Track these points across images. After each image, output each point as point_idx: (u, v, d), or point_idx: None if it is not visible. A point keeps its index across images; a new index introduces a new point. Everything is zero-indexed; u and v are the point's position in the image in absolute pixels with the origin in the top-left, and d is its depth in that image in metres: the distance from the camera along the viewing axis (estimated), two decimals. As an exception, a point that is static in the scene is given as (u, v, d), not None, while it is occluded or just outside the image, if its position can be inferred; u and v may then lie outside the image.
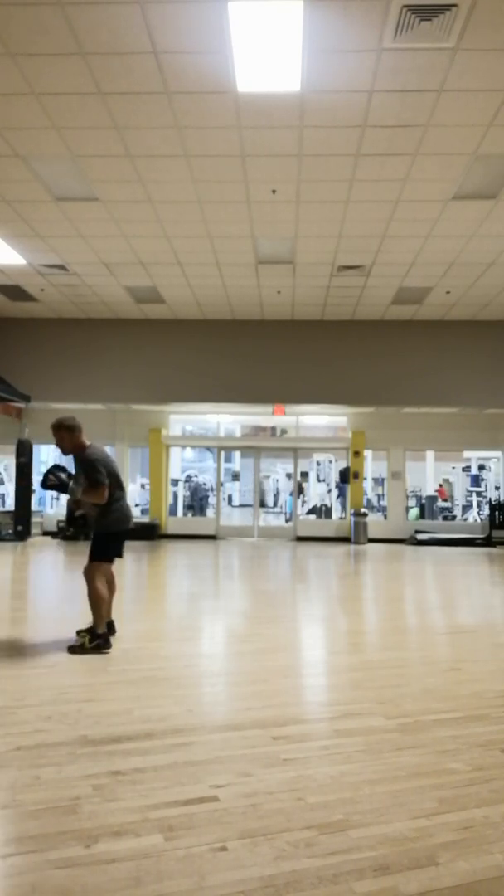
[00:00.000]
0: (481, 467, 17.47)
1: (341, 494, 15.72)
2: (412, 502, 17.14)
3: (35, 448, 13.59)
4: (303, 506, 17.34)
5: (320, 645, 5.15)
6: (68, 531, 13.67)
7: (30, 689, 3.78)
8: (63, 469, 4.81)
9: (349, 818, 2.35)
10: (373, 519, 15.18)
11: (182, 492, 16.86)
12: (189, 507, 16.87)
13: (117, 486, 4.83)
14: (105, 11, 4.50)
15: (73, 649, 4.60)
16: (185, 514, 16.35)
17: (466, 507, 17.26)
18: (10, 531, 13.04)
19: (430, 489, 17.54)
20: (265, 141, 6.13)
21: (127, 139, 6.15)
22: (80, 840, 2.20)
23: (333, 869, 2.04)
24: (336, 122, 5.80)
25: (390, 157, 6.38)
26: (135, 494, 16.22)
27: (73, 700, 3.61)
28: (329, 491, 17.19)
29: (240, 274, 9.97)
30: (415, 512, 16.49)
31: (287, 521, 16.92)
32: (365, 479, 16.15)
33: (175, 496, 16.11)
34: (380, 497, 18.16)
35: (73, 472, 4.81)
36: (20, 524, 12.94)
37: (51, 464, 5.89)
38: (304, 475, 18.62)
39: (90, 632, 4.69)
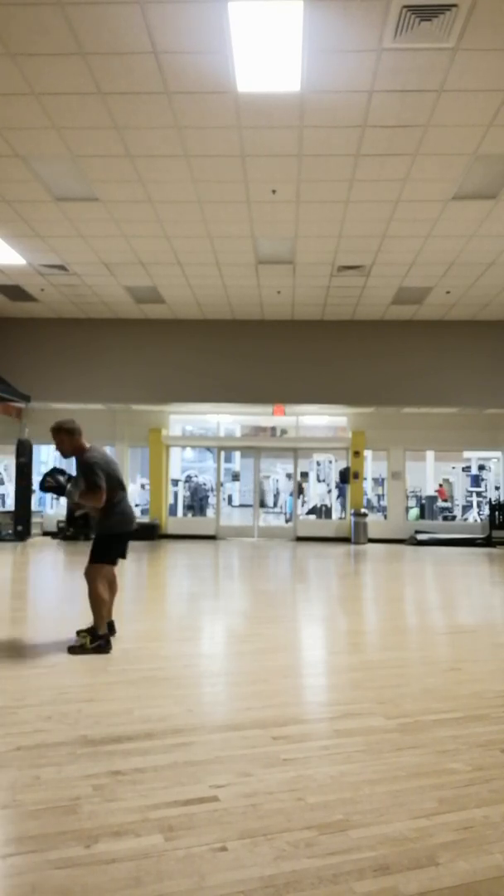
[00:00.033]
0: (481, 467, 17.47)
1: (341, 494, 15.72)
2: (412, 502, 17.15)
3: (35, 448, 13.59)
4: (303, 506, 17.34)
5: (320, 645, 5.15)
6: (68, 531, 13.67)
7: (30, 689, 3.78)
8: (62, 472, 4.81)
9: (349, 818, 2.35)
10: (373, 519, 15.18)
11: (182, 492, 16.86)
12: (189, 508, 16.87)
13: (119, 487, 4.81)
14: (105, 11, 4.50)
15: (74, 650, 4.60)
16: (185, 515, 16.35)
17: (466, 508, 17.26)
18: (10, 531, 13.04)
19: (430, 489, 17.54)
20: (265, 141, 6.13)
21: (127, 139, 6.15)
22: (80, 840, 2.20)
23: (333, 869, 2.04)
24: (336, 122, 5.80)
25: (390, 157, 6.38)
26: (135, 494, 16.22)
27: (73, 700, 3.61)
28: (329, 491, 17.19)
29: (240, 274, 9.97)
30: (415, 512, 16.49)
31: (287, 521, 16.92)
32: (365, 479, 16.15)
33: (175, 496, 16.12)
34: (380, 497, 18.16)
35: (73, 474, 4.81)
36: (20, 524, 12.94)
37: (51, 465, 5.89)
38: (304, 475, 18.62)
39: (91, 633, 4.68)
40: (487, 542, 13.96)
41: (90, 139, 6.15)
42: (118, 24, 4.61)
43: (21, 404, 13.07)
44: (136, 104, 5.59)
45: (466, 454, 17.51)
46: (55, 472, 4.80)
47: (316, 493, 18.30)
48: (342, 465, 15.69)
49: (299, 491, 16.80)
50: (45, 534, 14.33)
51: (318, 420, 15.27)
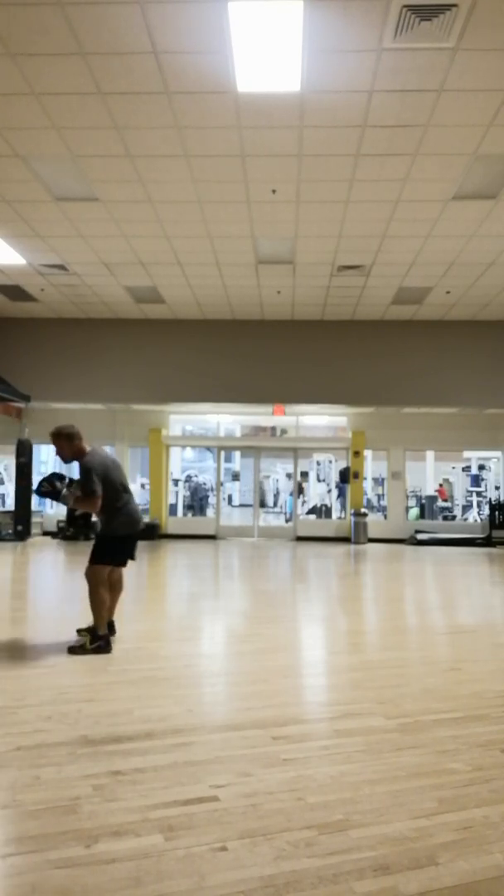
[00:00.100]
0: (481, 467, 17.47)
1: (341, 494, 15.72)
2: (412, 502, 17.15)
3: (35, 448, 13.59)
4: (303, 506, 17.34)
5: (320, 645, 5.15)
6: (68, 531, 13.67)
7: (30, 689, 3.78)
8: (61, 477, 4.80)
9: (349, 818, 2.35)
10: (373, 519, 15.18)
11: (182, 492, 16.86)
12: (189, 507, 16.87)
13: (121, 491, 4.79)
14: (105, 11, 4.50)
15: (74, 650, 4.60)
16: (185, 514, 16.35)
17: (466, 507, 17.26)
18: (10, 531, 13.04)
19: (430, 489, 17.54)
20: (265, 141, 6.13)
21: (127, 139, 6.15)
22: (80, 840, 2.20)
23: (333, 869, 2.04)
24: (336, 122, 5.80)
25: (390, 157, 6.38)
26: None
27: (73, 700, 3.61)
28: (329, 491, 17.19)
29: (240, 274, 9.97)
30: (415, 512, 16.49)
31: (287, 521, 16.92)
32: (365, 479, 16.15)
33: (175, 496, 16.12)
34: (380, 497, 18.17)
35: (73, 478, 4.79)
36: (20, 524, 12.94)
37: (51, 465, 5.89)
38: (304, 475, 18.62)
39: (91, 633, 4.68)
40: (487, 542, 13.96)
41: (90, 139, 6.15)
42: (118, 24, 4.61)
43: (21, 404, 13.07)
44: (136, 104, 5.59)
45: (466, 454, 17.51)
46: (53, 477, 4.79)
47: (316, 492, 18.30)
48: (342, 464, 15.69)
49: (299, 491, 16.80)
50: (45, 534, 14.33)
51: (318, 420, 15.27)
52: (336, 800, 2.49)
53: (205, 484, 17.55)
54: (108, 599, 4.79)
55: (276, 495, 21.95)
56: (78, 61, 5.03)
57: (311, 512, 16.95)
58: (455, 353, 12.55)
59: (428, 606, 6.95)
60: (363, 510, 14.32)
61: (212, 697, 3.76)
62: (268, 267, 9.63)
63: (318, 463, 18.33)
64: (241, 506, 21.34)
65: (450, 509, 17.61)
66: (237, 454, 22.13)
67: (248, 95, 5.43)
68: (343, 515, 15.31)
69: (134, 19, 4.57)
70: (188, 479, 17.60)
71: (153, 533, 13.92)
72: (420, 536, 14.20)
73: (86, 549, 5.01)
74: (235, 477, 23.21)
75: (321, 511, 16.23)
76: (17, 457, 12.86)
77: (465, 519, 16.47)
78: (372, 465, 17.98)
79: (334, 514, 15.87)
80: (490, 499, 15.10)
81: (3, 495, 17.41)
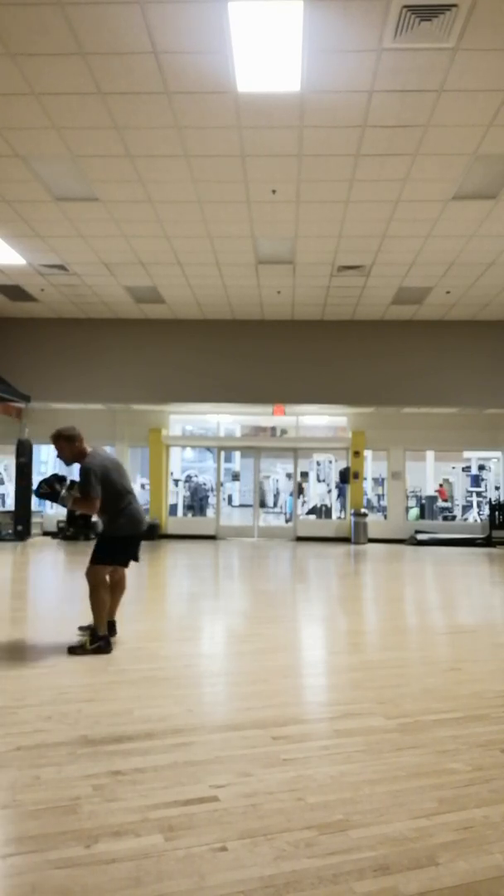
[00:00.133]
0: (481, 467, 17.47)
1: (341, 494, 15.72)
2: (412, 502, 17.14)
3: (35, 448, 13.59)
4: (303, 506, 17.34)
5: (320, 645, 5.15)
6: (68, 531, 13.67)
7: (30, 689, 3.78)
8: (62, 479, 4.79)
9: (349, 818, 2.35)
10: (373, 519, 15.18)
11: (182, 492, 16.86)
12: (189, 507, 16.87)
13: (124, 491, 4.78)
14: (105, 11, 4.50)
15: (74, 650, 4.60)
16: (185, 515, 16.35)
17: (466, 508, 17.26)
18: (10, 531, 13.04)
19: (430, 489, 17.54)
20: (265, 141, 6.13)
21: (127, 139, 6.15)
22: (80, 840, 2.20)
23: (333, 869, 2.04)
24: (336, 122, 5.80)
25: (390, 157, 6.38)
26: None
27: (73, 700, 3.61)
28: (329, 491, 17.19)
29: (240, 274, 9.97)
30: (415, 512, 16.49)
31: (287, 521, 16.92)
32: (365, 479, 16.15)
33: (175, 496, 16.11)
34: (380, 497, 18.16)
35: (75, 479, 4.79)
36: (20, 524, 12.94)
37: (51, 465, 5.88)
38: (304, 475, 18.62)
39: (91, 633, 4.68)
40: (487, 542, 13.96)
41: (90, 139, 6.15)
42: (118, 24, 4.61)
43: (21, 404, 13.07)
44: (136, 104, 5.59)
45: (466, 454, 17.51)
46: (53, 478, 4.79)
47: (316, 493, 18.30)
48: (342, 465, 15.69)
49: (299, 491, 16.80)
50: (45, 534, 14.33)
51: (318, 420, 15.27)
52: (336, 800, 2.49)
53: (205, 484, 17.55)
54: (108, 600, 4.78)
55: (276, 495, 21.95)
56: (78, 61, 5.03)
57: (311, 512, 16.95)
58: (455, 353, 12.55)
59: (428, 606, 6.95)
60: (363, 510, 14.32)
61: (212, 697, 3.76)
62: (268, 267, 9.63)
63: (318, 463, 18.33)
64: (241, 506, 21.34)
65: (450, 509, 17.60)
66: (237, 454, 22.13)
67: (248, 95, 5.43)
68: (343, 515, 15.31)
69: (134, 19, 4.57)
70: (188, 479, 17.60)
71: (153, 533, 13.92)
72: (420, 537, 14.20)
73: (86, 549, 5.02)
74: (235, 477, 23.21)
75: (321, 511, 16.23)
76: (17, 457, 12.86)
77: (465, 519, 16.47)
78: (372, 465, 17.98)
79: (334, 515, 15.87)
80: (490, 499, 15.10)
81: (3, 495, 17.41)
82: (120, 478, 4.80)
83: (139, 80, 5.27)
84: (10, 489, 16.22)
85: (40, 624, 5.67)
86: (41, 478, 4.92)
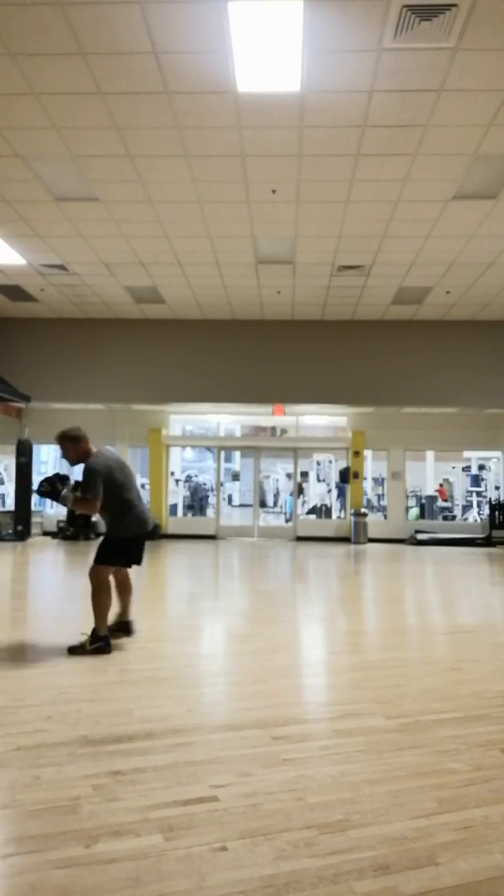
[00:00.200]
0: (481, 467, 17.47)
1: (341, 494, 15.72)
2: (412, 502, 17.14)
3: (35, 448, 13.60)
4: (303, 506, 17.34)
5: (320, 645, 5.15)
6: (69, 531, 13.67)
7: (30, 689, 3.78)
8: (64, 478, 4.79)
9: (349, 818, 2.35)
10: (373, 519, 15.18)
11: (182, 492, 16.85)
12: (189, 507, 16.88)
13: (128, 491, 4.76)
14: (105, 11, 4.50)
15: (74, 650, 4.60)
16: (185, 515, 16.36)
17: (466, 507, 17.26)
18: (10, 531, 13.05)
19: (430, 489, 17.54)
20: (265, 141, 6.13)
21: (127, 139, 6.15)
22: (80, 840, 2.20)
23: (333, 869, 2.04)
24: (336, 122, 5.80)
25: (390, 157, 6.38)
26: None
27: (73, 700, 3.61)
28: (329, 491, 17.19)
29: (240, 274, 9.97)
30: (415, 512, 16.49)
31: (287, 521, 16.92)
32: (365, 479, 16.15)
33: (175, 496, 16.11)
34: (380, 497, 18.16)
35: (79, 479, 4.78)
36: (20, 524, 12.94)
37: (51, 465, 5.88)
38: (304, 475, 18.62)
39: (91, 634, 4.68)
40: (487, 542, 13.96)
41: (90, 139, 6.15)
42: (118, 24, 4.61)
43: (21, 404, 13.07)
44: (136, 104, 5.60)
45: (466, 454, 17.51)
46: (55, 478, 4.79)
47: (316, 492, 18.31)
48: (342, 464, 15.69)
49: (299, 491, 16.80)
50: (45, 534, 14.33)
51: (318, 420, 15.27)
52: (336, 800, 2.49)
53: (205, 484, 17.55)
54: (110, 601, 4.77)
55: (276, 495, 21.95)
56: (78, 61, 5.03)
57: (311, 512, 16.95)
58: (455, 353, 12.55)
59: (428, 606, 6.95)
60: (363, 510, 14.32)
61: (212, 697, 3.76)
62: (268, 267, 9.63)
63: (318, 463, 18.33)
64: (241, 506, 21.34)
65: (450, 509, 17.61)
66: (237, 454, 22.13)
67: (248, 95, 5.43)
68: (343, 515, 15.31)
69: (134, 19, 4.57)
70: (188, 479, 17.60)
71: (153, 533, 13.93)
72: (420, 536, 14.20)
73: (86, 549, 5.02)
74: (235, 477, 23.21)
75: (321, 511, 16.23)
76: (17, 457, 12.86)
77: (465, 519, 16.47)
78: (372, 465, 17.98)
79: (334, 514, 15.87)
80: (490, 499, 15.10)
81: (3, 495, 17.40)
82: (125, 477, 4.78)
83: (139, 80, 5.27)
84: (10, 489, 16.22)
85: (40, 624, 5.67)
86: (41, 477, 4.91)
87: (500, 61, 4.96)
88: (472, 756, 2.91)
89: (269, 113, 5.68)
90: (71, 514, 13.59)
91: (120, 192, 7.24)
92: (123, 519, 4.74)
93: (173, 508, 15.67)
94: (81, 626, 5.09)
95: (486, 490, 17.02)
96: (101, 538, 4.89)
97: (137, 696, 3.69)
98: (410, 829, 2.28)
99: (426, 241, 8.53)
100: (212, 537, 14.63)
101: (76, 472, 4.87)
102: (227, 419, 15.46)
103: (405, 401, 12.89)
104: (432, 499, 16.73)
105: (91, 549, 4.86)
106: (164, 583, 8.50)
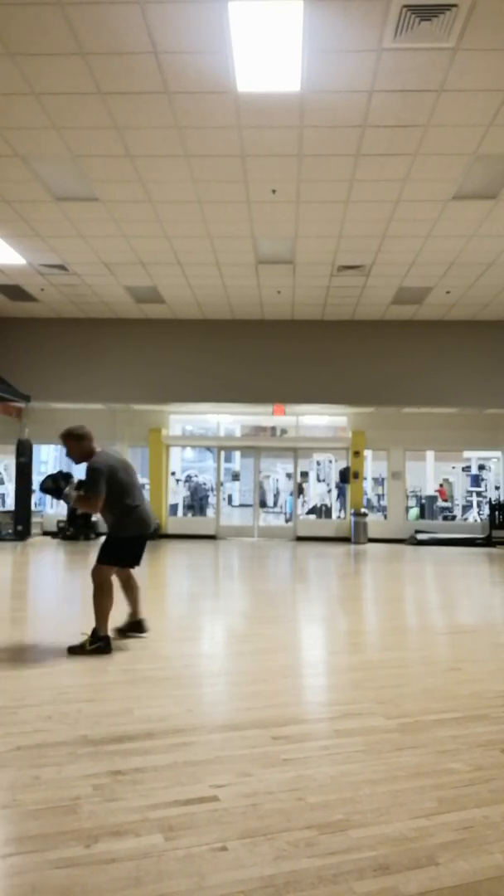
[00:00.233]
0: (481, 467, 17.47)
1: (341, 494, 15.72)
2: (412, 502, 17.14)
3: (35, 448, 13.60)
4: (303, 506, 17.34)
5: (320, 645, 5.15)
6: (69, 531, 13.67)
7: (30, 689, 3.77)
8: (67, 476, 4.79)
9: (349, 818, 2.35)
10: (373, 519, 15.18)
11: (182, 492, 16.85)
12: (189, 507, 16.88)
13: (131, 491, 4.76)
14: (105, 11, 4.50)
15: (74, 650, 4.59)
16: (185, 514, 16.36)
17: (466, 507, 17.26)
18: (10, 531, 13.04)
19: (430, 489, 17.55)
20: (265, 141, 6.13)
21: (127, 139, 6.15)
22: (80, 840, 2.20)
23: (333, 869, 2.04)
24: (336, 122, 5.80)
25: (390, 157, 6.38)
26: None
27: (73, 700, 3.61)
28: (329, 491, 17.19)
29: (240, 274, 9.97)
30: (415, 512, 16.49)
31: (287, 521, 16.92)
32: (365, 479, 16.14)
33: (175, 496, 16.11)
34: (380, 497, 18.16)
35: (82, 478, 4.78)
36: (20, 524, 12.94)
37: (52, 465, 5.88)
38: (304, 475, 18.62)
39: (92, 633, 4.68)
40: (487, 542, 13.96)
41: (90, 139, 6.15)
42: (118, 24, 4.61)
43: (21, 404, 13.07)
44: (136, 104, 5.60)
45: (466, 454, 17.51)
46: (59, 475, 4.78)
47: (316, 492, 18.30)
48: (342, 464, 15.69)
49: (299, 491, 16.80)
50: (45, 533, 14.33)
51: (318, 420, 15.27)
52: (336, 800, 2.49)
53: (205, 484, 17.55)
54: (111, 601, 4.76)
55: (276, 495, 21.95)
56: (78, 61, 5.03)
57: (311, 512, 16.95)
58: (455, 353, 12.55)
59: (428, 606, 6.95)
60: (363, 510, 14.32)
61: (212, 697, 3.76)
62: (268, 267, 9.63)
63: (318, 463, 18.33)
64: (241, 506, 21.33)
65: (450, 509, 17.61)
66: (237, 454, 22.13)
67: (248, 95, 5.43)
68: (343, 515, 15.31)
69: (134, 19, 4.57)
70: (188, 479, 17.59)
71: (153, 533, 13.92)
72: (420, 536, 14.20)
73: (86, 549, 5.02)
74: (235, 477, 23.21)
75: (321, 511, 16.23)
76: (17, 457, 12.86)
77: (465, 519, 16.47)
78: (372, 465, 17.98)
79: (334, 514, 15.87)
80: (490, 499, 15.10)
81: (3, 495, 17.40)
82: (128, 478, 4.78)
83: (139, 80, 5.27)
84: (10, 489, 16.22)
85: (40, 624, 5.67)
86: (42, 477, 4.91)
87: (500, 61, 4.96)
88: (472, 756, 2.91)
89: (269, 113, 5.69)
90: (71, 513, 13.59)
91: (120, 192, 7.24)
92: (126, 519, 4.74)
93: (173, 508, 15.67)
94: (81, 626, 5.09)
95: (486, 490, 17.02)
96: (103, 538, 4.89)
97: (137, 696, 3.69)
98: (410, 829, 2.28)
99: (426, 241, 8.53)
100: (212, 537, 14.63)
101: (79, 472, 4.87)
102: (227, 419, 15.46)
103: (405, 401, 12.89)
104: (432, 499, 16.74)
105: (91, 549, 4.87)
106: (164, 583, 8.50)
